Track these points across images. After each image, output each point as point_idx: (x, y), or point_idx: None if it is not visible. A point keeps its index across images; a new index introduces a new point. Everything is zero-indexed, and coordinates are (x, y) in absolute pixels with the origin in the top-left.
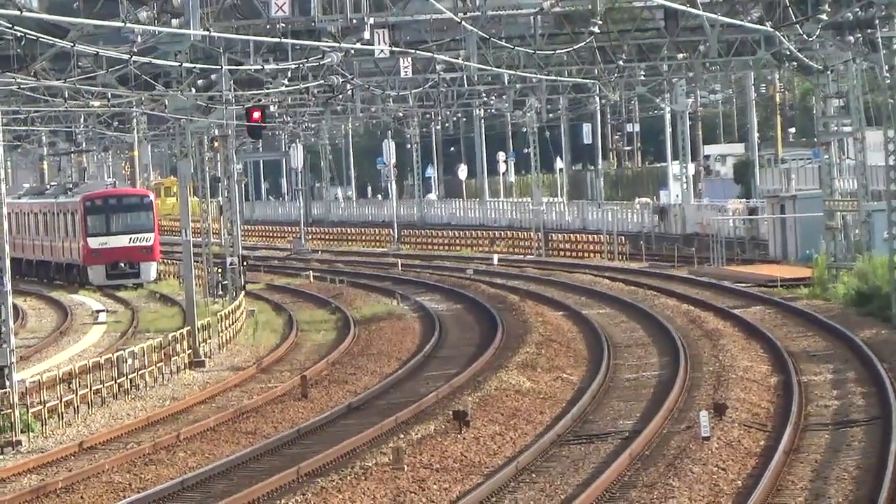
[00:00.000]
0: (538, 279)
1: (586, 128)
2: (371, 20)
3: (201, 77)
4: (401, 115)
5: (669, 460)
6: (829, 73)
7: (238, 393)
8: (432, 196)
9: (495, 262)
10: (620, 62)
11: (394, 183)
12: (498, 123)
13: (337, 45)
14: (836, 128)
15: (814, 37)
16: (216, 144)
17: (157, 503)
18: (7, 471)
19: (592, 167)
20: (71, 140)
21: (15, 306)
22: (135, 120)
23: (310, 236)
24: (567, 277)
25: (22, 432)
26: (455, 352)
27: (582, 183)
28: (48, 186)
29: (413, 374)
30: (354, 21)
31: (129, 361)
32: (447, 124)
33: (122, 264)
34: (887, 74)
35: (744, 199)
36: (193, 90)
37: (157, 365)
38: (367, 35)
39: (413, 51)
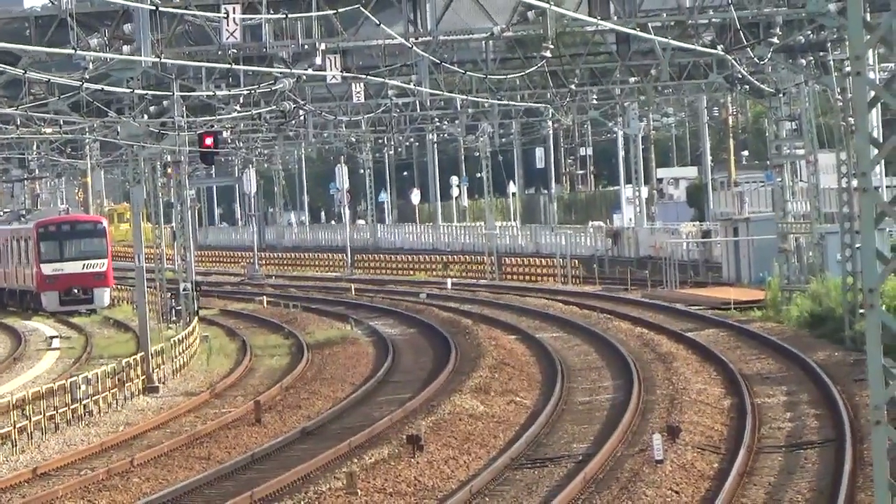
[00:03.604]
0: (491, 303)
1: (539, 152)
2: (323, 45)
3: (153, 103)
4: (353, 140)
5: (623, 483)
6: (781, 95)
7: (192, 418)
8: (361, 222)
9: (449, 286)
10: (573, 86)
11: (347, 208)
12: (451, 148)
13: (289, 70)
14: (788, 150)
15: (765, 60)
16: (169, 170)
17: None
18: None
19: (545, 191)
20: (24, 167)
21: None
22: (87, 146)
23: (263, 261)
24: (520, 301)
25: None
26: (409, 376)
27: (535, 207)
28: (1, 213)
29: (367, 398)
30: (306, 47)
31: (83, 387)
32: (400, 149)
33: (76, 290)
34: (839, 97)
35: (697, 222)
36: (146, 116)
37: (111, 391)
38: (318, 60)
39: (365, 76)
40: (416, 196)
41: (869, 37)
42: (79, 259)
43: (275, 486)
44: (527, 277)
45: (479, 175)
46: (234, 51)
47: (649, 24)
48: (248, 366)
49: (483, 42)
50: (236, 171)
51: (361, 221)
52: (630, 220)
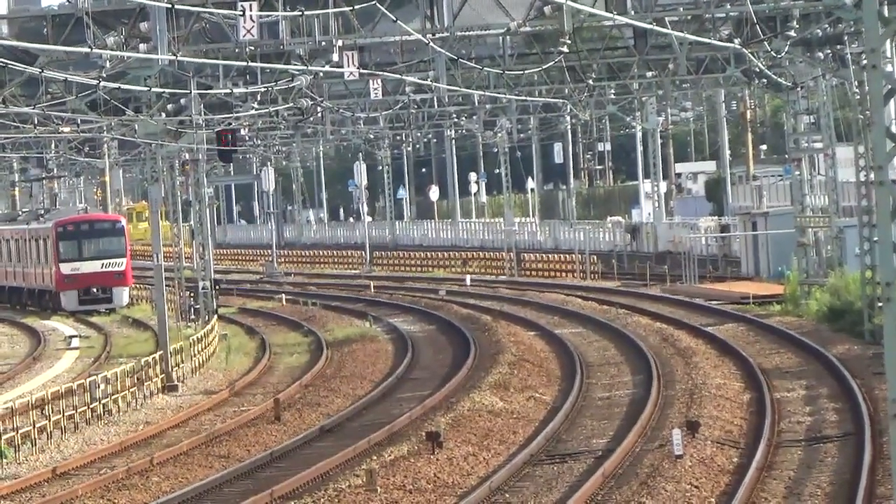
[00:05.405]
0: (511, 299)
1: (557, 147)
2: (340, 42)
3: (171, 101)
4: (371, 136)
5: (643, 479)
6: (799, 89)
7: (211, 417)
8: (368, 219)
9: (468, 282)
10: (590, 81)
11: (365, 205)
12: (469, 144)
13: (306, 67)
14: (806, 144)
15: (783, 54)
16: (187, 168)
17: None
18: None
19: (564, 187)
20: (42, 166)
21: None
22: (105, 145)
23: (282, 259)
24: (539, 297)
25: None
26: (428, 373)
27: (554, 202)
28: (20, 213)
29: (386, 395)
30: (323, 43)
31: (102, 387)
32: (418, 145)
33: (95, 290)
34: (857, 90)
35: (716, 217)
36: (163, 115)
37: (130, 390)
38: (335, 57)
39: (382, 72)
40: (434, 192)
41: (885, 30)
42: (97, 258)
43: (294, 484)
44: (546, 273)
45: (497, 171)
46: (252, 48)
47: (666, 19)
48: (268, 364)
49: (500, 37)
50: (254, 168)
51: (369, 219)
52: (648, 215)
